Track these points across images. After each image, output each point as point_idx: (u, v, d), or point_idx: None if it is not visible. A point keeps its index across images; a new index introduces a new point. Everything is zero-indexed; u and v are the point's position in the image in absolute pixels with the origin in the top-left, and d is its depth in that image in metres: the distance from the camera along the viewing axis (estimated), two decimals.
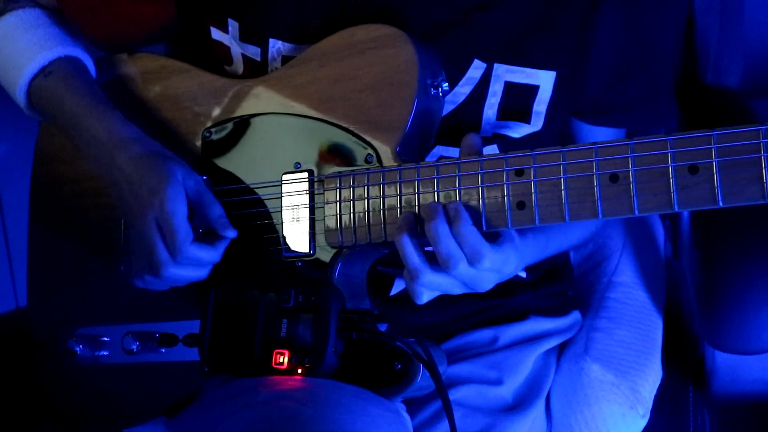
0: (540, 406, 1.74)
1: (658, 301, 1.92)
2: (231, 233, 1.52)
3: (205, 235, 1.52)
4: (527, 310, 1.79)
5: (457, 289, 1.40)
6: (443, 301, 1.69)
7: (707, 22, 1.98)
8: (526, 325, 1.77)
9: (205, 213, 1.52)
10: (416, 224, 1.38)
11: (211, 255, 1.50)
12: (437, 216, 1.34)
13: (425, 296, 1.40)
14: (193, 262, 1.50)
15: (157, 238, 1.48)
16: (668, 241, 2.13)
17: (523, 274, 1.76)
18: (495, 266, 1.35)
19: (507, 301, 1.76)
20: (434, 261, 1.35)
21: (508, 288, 1.75)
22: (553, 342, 1.79)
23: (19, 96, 1.68)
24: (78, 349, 1.68)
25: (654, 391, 1.79)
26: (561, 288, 1.84)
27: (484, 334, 1.75)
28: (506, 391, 1.71)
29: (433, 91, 1.47)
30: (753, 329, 1.76)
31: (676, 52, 1.69)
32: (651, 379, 1.79)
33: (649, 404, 1.76)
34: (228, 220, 1.52)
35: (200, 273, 1.52)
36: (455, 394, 1.65)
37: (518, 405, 1.70)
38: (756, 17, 1.98)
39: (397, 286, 1.69)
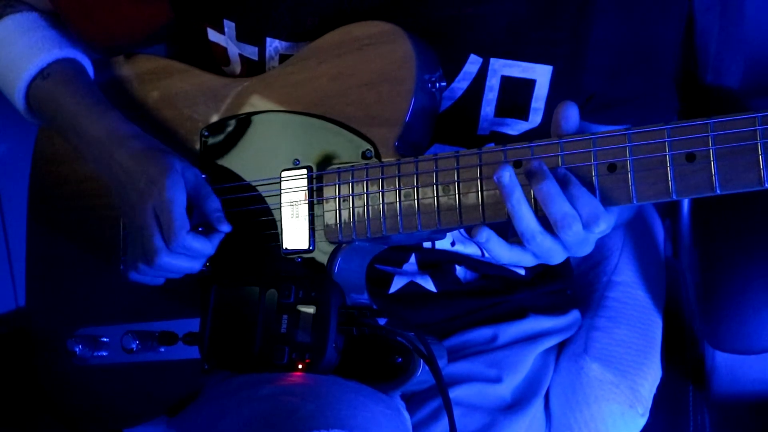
0: (539, 404, 1.74)
1: (657, 301, 1.92)
2: (225, 227, 1.52)
3: (202, 228, 1.52)
4: (526, 309, 1.79)
5: (557, 256, 1.36)
6: (442, 298, 1.71)
7: (707, 22, 1.98)
8: (525, 323, 1.77)
9: (202, 205, 1.53)
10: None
11: (204, 246, 1.50)
12: (547, 176, 1.29)
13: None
14: (187, 252, 1.50)
15: (154, 226, 1.48)
16: (668, 241, 2.13)
17: (522, 272, 1.77)
18: (608, 228, 1.30)
19: (506, 299, 1.76)
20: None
21: (506, 285, 1.76)
22: (553, 341, 1.79)
23: (18, 99, 1.68)
24: (77, 349, 1.68)
25: (653, 391, 1.79)
26: (560, 286, 1.84)
27: (483, 332, 1.75)
28: (505, 389, 1.71)
29: (430, 87, 1.47)
30: (753, 329, 1.77)
31: (677, 44, 1.68)
32: (650, 378, 1.79)
33: (649, 403, 1.76)
34: (223, 215, 1.53)
35: (193, 264, 1.53)
36: (454, 393, 1.64)
37: (517, 404, 1.70)
38: (756, 17, 1.98)
39: (397, 284, 1.69)
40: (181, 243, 1.47)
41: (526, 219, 1.30)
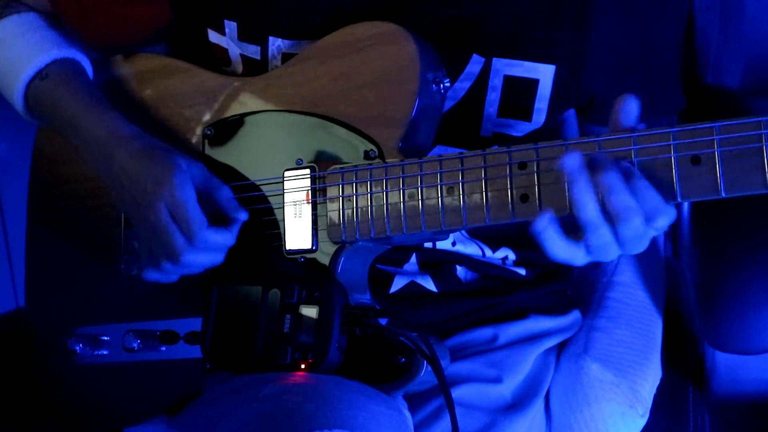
0: (539, 405, 1.74)
1: (657, 301, 1.91)
2: (243, 215, 1.53)
3: (217, 219, 1.52)
4: (527, 309, 1.78)
5: (612, 251, 1.31)
6: (442, 298, 1.71)
7: (707, 22, 1.98)
8: (526, 323, 1.77)
9: (214, 197, 1.52)
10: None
11: (226, 238, 1.51)
12: (613, 166, 1.25)
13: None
14: (210, 247, 1.50)
15: (173, 225, 1.48)
16: (668, 241, 2.13)
17: (522, 272, 1.77)
18: (666, 224, 1.27)
19: (506, 299, 1.76)
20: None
21: (507, 286, 1.76)
22: (553, 341, 1.79)
23: (17, 100, 1.68)
24: (78, 348, 1.68)
25: (653, 391, 1.78)
26: (560, 287, 1.84)
27: (483, 333, 1.74)
28: (506, 389, 1.70)
29: (434, 87, 1.47)
30: (753, 329, 1.77)
31: (678, 43, 1.68)
32: (650, 378, 1.79)
33: (649, 403, 1.76)
34: (238, 202, 1.53)
35: (217, 257, 1.53)
36: (455, 392, 1.62)
37: (517, 404, 1.70)
38: (756, 17, 1.98)
39: (397, 284, 1.69)
40: (203, 239, 1.47)
41: (589, 207, 1.26)
